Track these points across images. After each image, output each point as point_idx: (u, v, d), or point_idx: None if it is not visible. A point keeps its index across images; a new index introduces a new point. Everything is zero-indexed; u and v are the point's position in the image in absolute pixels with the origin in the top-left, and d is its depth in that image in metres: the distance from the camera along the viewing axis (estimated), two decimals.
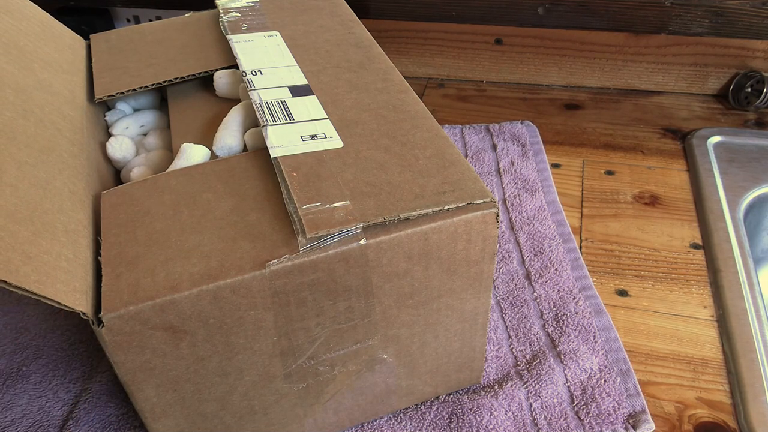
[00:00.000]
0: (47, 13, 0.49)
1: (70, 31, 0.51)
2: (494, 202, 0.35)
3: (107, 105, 0.50)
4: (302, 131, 0.39)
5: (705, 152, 0.65)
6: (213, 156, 0.41)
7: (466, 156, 0.65)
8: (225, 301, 0.32)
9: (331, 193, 0.34)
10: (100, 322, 0.30)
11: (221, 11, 0.51)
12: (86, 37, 0.52)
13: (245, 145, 0.41)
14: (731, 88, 0.73)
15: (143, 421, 0.36)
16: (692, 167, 0.64)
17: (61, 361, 0.49)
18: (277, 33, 0.49)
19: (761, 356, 0.46)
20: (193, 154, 0.40)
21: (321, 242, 0.32)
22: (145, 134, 0.48)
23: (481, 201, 0.35)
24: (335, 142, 0.38)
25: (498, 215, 0.35)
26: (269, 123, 0.39)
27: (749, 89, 0.72)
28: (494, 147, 0.65)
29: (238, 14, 0.51)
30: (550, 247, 0.54)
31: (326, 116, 0.40)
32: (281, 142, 0.38)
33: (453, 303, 0.38)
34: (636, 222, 0.59)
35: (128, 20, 0.87)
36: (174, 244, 0.34)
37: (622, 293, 0.53)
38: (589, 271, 0.54)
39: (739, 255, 0.54)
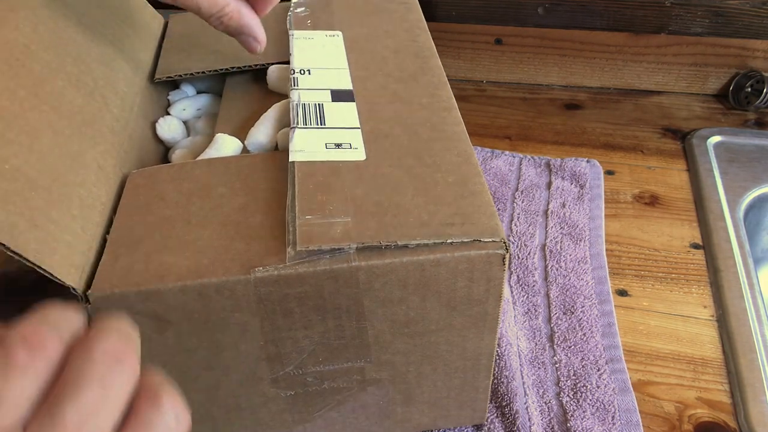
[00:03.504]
0: None
1: (152, 8, 0.53)
2: (504, 242, 0.32)
3: (176, 84, 0.52)
4: (329, 138, 0.38)
5: (705, 152, 0.65)
6: (245, 150, 0.41)
7: (517, 190, 0.61)
8: (209, 299, 0.32)
9: (336, 207, 0.34)
10: (87, 299, 0.31)
11: (292, 4, 0.51)
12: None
13: (277, 143, 0.41)
14: (731, 88, 0.73)
15: None
16: (692, 167, 0.64)
17: None
18: (339, 33, 0.48)
19: (761, 356, 0.46)
20: (224, 145, 0.41)
21: (310, 257, 0.32)
22: (200, 117, 0.49)
23: (490, 240, 0.32)
24: (358, 154, 0.37)
25: (505, 258, 0.33)
26: (299, 125, 0.38)
27: (749, 89, 0.71)
28: (549, 185, 0.60)
29: (307, 10, 0.51)
30: (582, 307, 0.50)
31: (358, 126, 0.39)
32: (304, 146, 0.37)
33: (453, 339, 0.37)
34: (636, 222, 0.59)
35: None
36: (176, 234, 0.34)
37: (622, 293, 0.53)
38: None
39: (739, 255, 0.54)
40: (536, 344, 0.48)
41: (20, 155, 0.33)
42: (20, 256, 0.30)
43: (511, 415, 0.43)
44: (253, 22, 0.42)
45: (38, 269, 0.31)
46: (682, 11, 0.70)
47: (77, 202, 0.35)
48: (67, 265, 0.32)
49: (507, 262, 0.33)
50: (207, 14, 0.40)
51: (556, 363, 0.46)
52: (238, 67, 0.47)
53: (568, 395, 0.44)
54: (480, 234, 0.32)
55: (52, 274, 0.31)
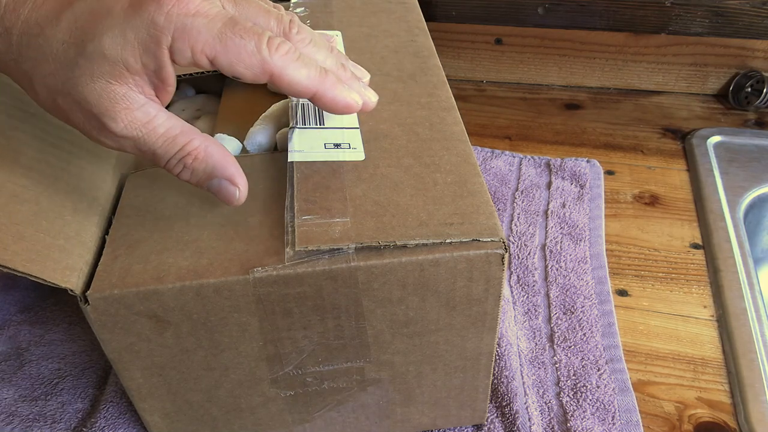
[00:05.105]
0: None
1: None
2: (503, 242, 0.32)
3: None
4: (328, 138, 0.38)
5: (705, 152, 0.65)
6: (244, 150, 0.41)
7: (517, 190, 0.61)
8: (208, 299, 0.32)
9: (335, 207, 0.33)
10: (86, 300, 0.31)
11: (291, 4, 0.51)
12: None
13: (276, 143, 0.41)
14: (731, 88, 0.74)
15: (131, 400, 0.37)
16: (692, 167, 0.64)
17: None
18: (339, 33, 0.48)
19: (761, 356, 0.46)
20: (224, 145, 0.40)
21: (309, 257, 0.32)
22: (199, 117, 0.49)
23: (489, 239, 0.32)
24: (357, 154, 0.37)
25: (504, 257, 0.32)
26: (298, 125, 0.38)
27: (749, 89, 0.72)
28: (549, 185, 0.60)
29: (306, 10, 0.51)
30: (583, 307, 0.49)
31: (357, 125, 0.39)
32: (303, 146, 0.37)
33: (453, 339, 0.36)
34: (636, 222, 0.59)
35: None
36: (175, 235, 0.34)
37: (622, 293, 0.53)
38: None
39: (739, 255, 0.54)
40: (536, 344, 0.48)
41: (3, 170, 0.33)
42: (8, 268, 0.30)
43: (511, 415, 0.43)
44: (226, 161, 0.33)
45: (30, 277, 0.31)
46: (682, 11, 0.70)
47: (70, 207, 0.34)
48: (61, 268, 0.32)
49: (506, 262, 0.33)
50: (164, 157, 0.31)
51: (556, 363, 0.46)
52: None
53: (568, 395, 0.44)
54: (479, 234, 0.32)
55: (45, 280, 0.31)
